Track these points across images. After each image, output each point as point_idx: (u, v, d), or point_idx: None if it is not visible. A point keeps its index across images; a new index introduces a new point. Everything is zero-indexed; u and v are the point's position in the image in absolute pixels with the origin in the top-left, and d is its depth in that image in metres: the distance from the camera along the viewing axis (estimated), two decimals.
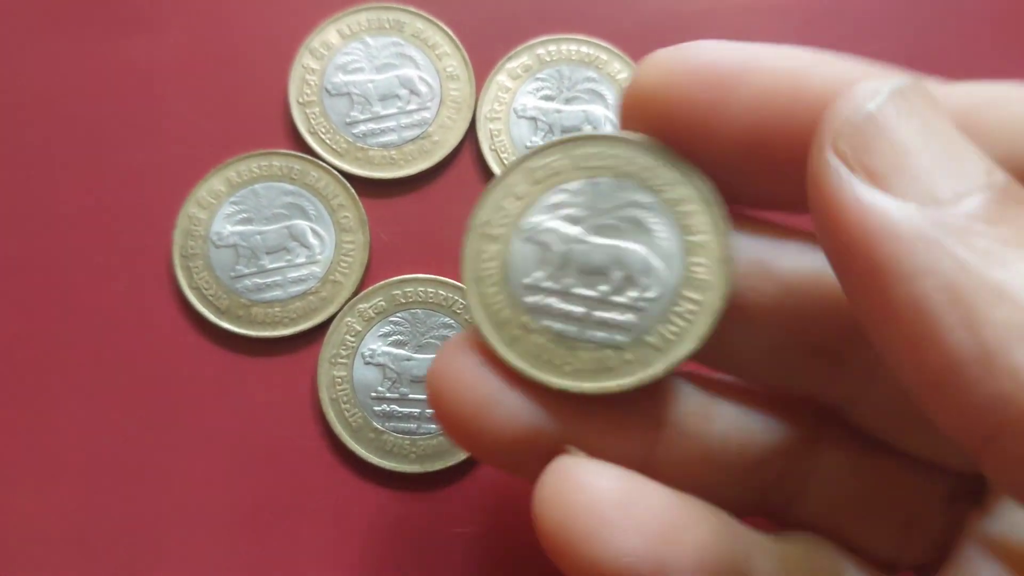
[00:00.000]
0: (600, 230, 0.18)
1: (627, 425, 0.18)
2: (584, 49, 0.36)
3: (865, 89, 0.14)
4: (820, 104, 0.15)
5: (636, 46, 0.36)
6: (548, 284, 0.18)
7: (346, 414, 0.32)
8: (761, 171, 0.17)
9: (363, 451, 0.32)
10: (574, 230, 0.18)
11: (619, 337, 0.17)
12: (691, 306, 0.17)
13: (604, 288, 0.18)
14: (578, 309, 0.18)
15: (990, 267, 0.12)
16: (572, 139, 0.18)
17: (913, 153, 0.13)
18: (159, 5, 0.37)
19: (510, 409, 0.17)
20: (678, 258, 0.17)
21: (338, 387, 0.32)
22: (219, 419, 0.33)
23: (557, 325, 0.18)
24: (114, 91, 0.36)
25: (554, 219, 0.18)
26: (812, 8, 0.38)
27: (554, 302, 0.18)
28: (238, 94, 0.36)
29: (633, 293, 0.17)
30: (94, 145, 0.35)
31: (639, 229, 0.18)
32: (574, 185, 0.18)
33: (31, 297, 0.34)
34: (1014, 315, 0.11)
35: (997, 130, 0.16)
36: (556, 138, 0.18)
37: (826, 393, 0.19)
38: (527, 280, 0.18)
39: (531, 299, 0.18)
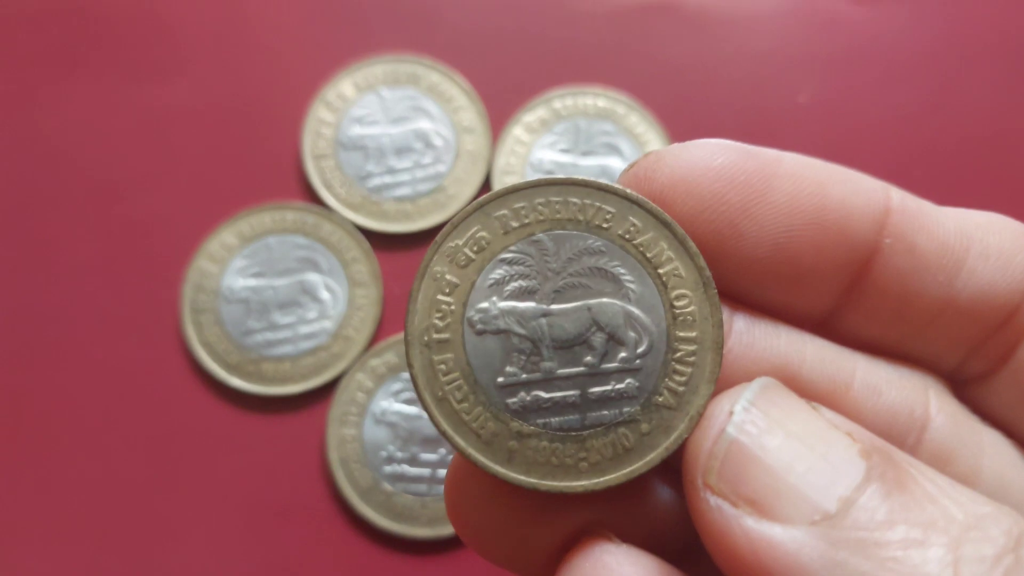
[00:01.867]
0: (561, 295, 0.15)
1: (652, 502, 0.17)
2: (601, 103, 0.36)
3: (719, 412, 0.14)
4: (842, 216, 0.15)
5: (654, 99, 0.36)
6: (527, 376, 0.15)
7: (356, 474, 0.31)
8: (779, 278, 0.16)
9: (372, 514, 0.31)
10: (531, 305, 0.15)
11: (627, 408, 0.15)
12: (689, 347, 0.15)
13: (589, 359, 0.15)
14: (571, 393, 0.15)
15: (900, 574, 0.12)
16: (487, 200, 0.15)
17: (787, 469, 0.13)
18: (175, 55, 0.37)
19: (539, 529, 0.16)
20: (656, 298, 0.15)
21: (348, 446, 0.32)
22: (226, 479, 0.32)
23: (555, 419, 0.15)
24: (128, 140, 0.35)
25: (504, 299, 0.15)
26: (829, 57, 0.38)
27: (542, 394, 0.15)
28: (252, 146, 0.35)
29: (624, 354, 0.15)
30: (106, 194, 0.35)
31: (602, 278, 0.15)
32: (511, 252, 0.15)
33: (39, 349, 0.33)
34: None
35: (990, 254, 0.16)
36: (465, 206, 0.15)
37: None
38: (501, 380, 0.15)
39: (515, 400, 0.15)
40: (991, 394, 0.17)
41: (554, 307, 0.15)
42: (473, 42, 0.37)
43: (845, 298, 0.16)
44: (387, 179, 0.35)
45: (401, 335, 0.32)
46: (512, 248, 0.15)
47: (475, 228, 0.15)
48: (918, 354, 0.17)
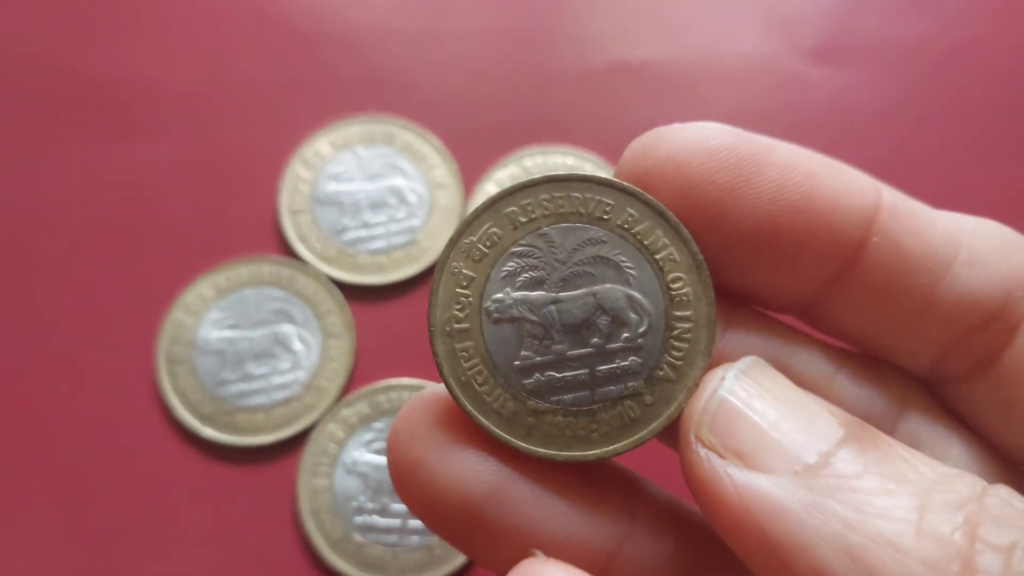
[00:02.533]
0: (568, 283, 0.17)
1: (598, 517, 0.18)
2: (569, 161, 0.37)
3: (712, 378, 0.15)
4: (829, 209, 0.16)
5: (619, 155, 0.37)
6: (540, 358, 0.17)
7: (327, 525, 0.31)
8: (762, 262, 0.17)
9: (343, 565, 0.31)
10: (541, 293, 0.17)
11: (632, 383, 0.17)
12: (685, 324, 0.17)
13: (596, 340, 0.17)
14: (581, 372, 0.17)
15: (874, 520, 0.13)
16: (497, 198, 0.17)
17: (772, 426, 0.15)
18: (157, 116, 0.38)
19: (469, 474, 0.17)
20: (654, 282, 0.17)
21: (319, 497, 0.32)
22: (198, 528, 0.32)
23: (567, 396, 0.17)
24: (106, 196, 0.36)
25: (516, 289, 0.17)
26: (790, 116, 0.39)
27: (555, 374, 0.17)
28: (230, 202, 0.36)
29: (626, 334, 0.17)
30: (84, 248, 0.36)
31: (604, 266, 0.17)
32: (520, 246, 0.17)
33: (16, 397, 0.33)
34: (908, 564, 0.13)
35: (975, 259, 0.17)
36: (479, 204, 0.17)
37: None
38: (518, 363, 0.17)
39: (530, 381, 0.17)
40: (969, 396, 0.18)
41: (562, 294, 0.17)
42: (446, 103, 0.38)
43: (829, 288, 0.17)
44: (362, 233, 0.36)
45: (373, 385, 0.33)
46: (521, 242, 0.17)
47: (487, 225, 0.17)
48: (897, 350, 0.18)
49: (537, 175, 0.17)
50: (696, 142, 0.16)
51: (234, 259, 0.35)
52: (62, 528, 0.32)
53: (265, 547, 0.32)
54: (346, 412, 0.33)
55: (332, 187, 0.36)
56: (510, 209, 0.17)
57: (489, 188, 0.36)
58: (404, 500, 0.17)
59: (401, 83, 0.39)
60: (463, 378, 0.17)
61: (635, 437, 0.17)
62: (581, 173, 0.17)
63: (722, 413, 0.15)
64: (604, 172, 0.37)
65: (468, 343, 0.17)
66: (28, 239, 0.36)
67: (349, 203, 0.36)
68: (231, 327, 0.34)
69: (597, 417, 0.17)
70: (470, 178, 0.37)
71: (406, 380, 0.33)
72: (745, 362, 0.16)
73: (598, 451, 0.17)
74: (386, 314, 0.35)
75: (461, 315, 0.17)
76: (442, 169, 0.37)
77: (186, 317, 0.34)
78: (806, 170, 0.17)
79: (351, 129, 0.37)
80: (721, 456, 0.14)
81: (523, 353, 0.17)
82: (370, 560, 0.31)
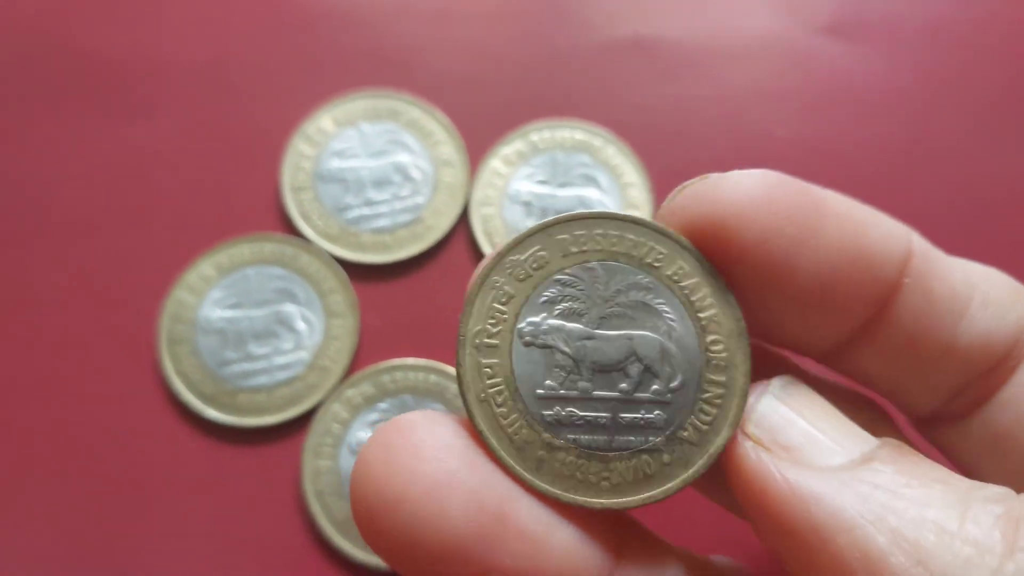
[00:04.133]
0: (606, 321, 0.16)
1: (588, 555, 0.16)
2: (578, 135, 0.36)
3: (759, 385, 0.16)
4: (878, 257, 0.16)
5: (630, 132, 0.37)
6: (564, 391, 0.16)
7: (331, 506, 0.31)
8: (809, 312, 0.17)
9: (348, 546, 0.30)
10: (578, 326, 0.16)
11: (652, 438, 0.16)
12: (718, 390, 0.16)
13: (624, 386, 0.16)
14: (603, 415, 0.16)
15: (919, 508, 0.14)
16: (552, 223, 0.17)
17: (817, 427, 0.15)
18: (156, 91, 0.37)
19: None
20: (693, 339, 0.16)
21: (323, 478, 0.31)
22: (200, 510, 0.31)
23: (584, 437, 0.16)
24: (107, 173, 0.36)
25: (554, 316, 0.16)
26: (806, 92, 0.39)
27: (576, 411, 0.16)
28: (231, 179, 0.36)
29: (656, 386, 0.16)
30: (84, 227, 0.35)
31: (646, 312, 0.16)
32: (565, 275, 0.16)
33: (16, 378, 0.33)
34: (953, 544, 0.13)
35: (989, 303, 0.17)
36: (531, 226, 0.17)
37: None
38: (541, 391, 0.16)
39: (550, 412, 0.16)
40: (964, 434, 0.19)
41: (598, 332, 0.16)
42: (452, 78, 0.38)
43: (860, 332, 0.17)
44: (365, 211, 0.35)
45: (377, 365, 0.32)
46: (567, 271, 0.16)
47: (536, 247, 0.16)
48: (911, 390, 0.18)
49: (588, 212, 0.17)
50: (762, 193, 0.16)
51: (236, 237, 0.34)
52: (64, 510, 0.31)
53: (269, 528, 0.31)
54: (350, 392, 0.32)
55: (335, 164, 0.36)
56: (562, 236, 0.16)
57: (495, 164, 0.36)
58: (375, 544, 0.15)
59: (406, 58, 0.38)
60: (482, 395, 0.16)
61: (646, 495, 0.16)
62: (641, 217, 0.17)
63: (770, 411, 0.16)
64: (613, 147, 0.36)
65: (495, 360, 0.16)
66: (28, 218, 0.35)
67: (353, 180, 0.35)
68: (233, 306, 0.33)
69: (611, 465, 0.16)
70: (475, 154, 0.36)
71: (410, 360, 0.33)
72: (785, 378, 0.16)
73: (606, 501, 0.16)
74: (390, 293, 0.34)
75: (493, 330, 0.16)
76: (448, 146, 0.36)
77: (188, 296, 0.34)
78: (859, 220, 0.17)
79: (355, 104, 0.37)
80: (767, 450, 0.15)
81: (548, 383, 0.16)
82: None
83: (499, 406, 0.16)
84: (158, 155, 0.36)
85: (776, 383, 0.16)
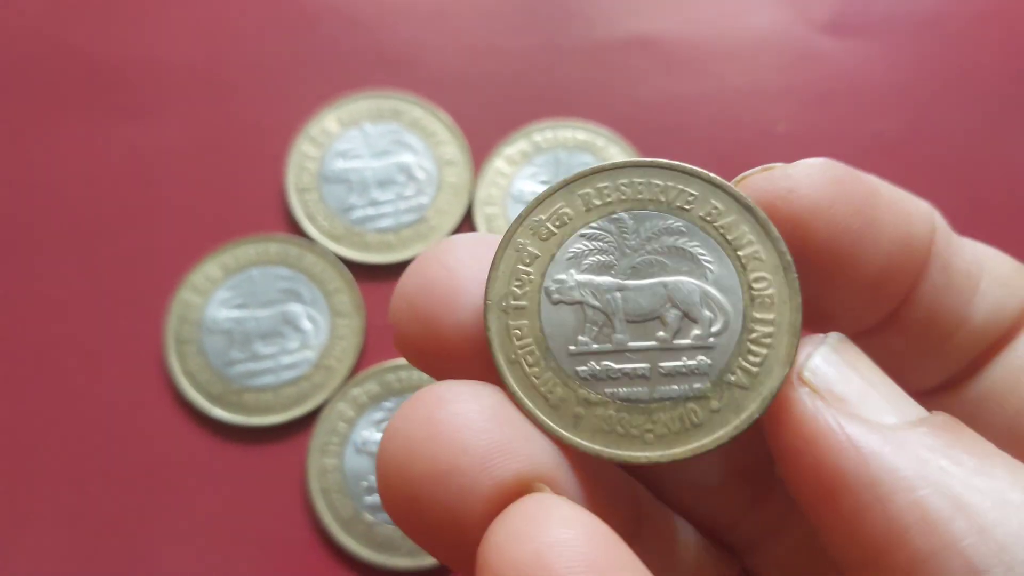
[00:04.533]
0: (637, 271, 0.16)
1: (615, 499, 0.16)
2: (580, 135, 0.36)
3: (815, 336, 0.15)
4: (920, 243, 0.16)
5: (633, 131, 0.37)
6: (598, 346, 0.15)
7: (337, 504, 0.31)
8: (852, 296, 0.17)
9: (353, 544, 0.31)
10: (607, 279, 0.16)
11: (698, 385, 0.15)
12: (766, 328, 0.15)
13: (662, 334, 0.15)
14: (641, 365, 0.15)
15: (978, 476, 0.13)
16: (573, 179, 0.16)
17: (874, 383, 0.15)
18: (161, 93, 0.37)
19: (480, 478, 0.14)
20: (734, 278, 0.15)
21: (329, 476, 0.31)
22: (206, 509, 0.32)
23: (623, 390, 0.15)
24: (113, 175, 0.36)
25: (581, 272, 0.16)
26: (806, 89, 0.39)
27: (612, 364, 0.15)
28: (236, 180, 0.36)
29: (697, 331, 0.15)
30: (91, 228, 0.35)
31: (679, 257, 0.16)
32: (591, 228, 0.16)
33: (22, 380, 0.33)
34: (1017, 516, 0.13)
35: (997, 278, 0.18)
36: (555, 182, 0.16)
37: (742, 529, 0.19)
38: (573, 348, 0.15)
39: (584, 368, 0.15)
40: (947, 405, 0.18)
41: (630, 282, 0.16)
42: (455, 78, 0.38)
43: (891, 313, 0.17)
44: (370, 211, 0.35)
45: (382, 364, 0.33)
46: (593, 224, 0.16)
47: (559, 204, 0.16)
48: (920, 367, 0.18)
49: (618, 159, 0.16)
50: (831, 188, 0.16)
51: (241, 238, 0.35)
52: (71, 508, 0.31)
53: (275, 527, 0.31)
54: (356, 391, 0.33)
55: (339, 164, 0.36)
56: (585, 191, 0.16)
57: (498, 164, 0.36)
58: (416, 527, 0.14)
59: (409, 58, 0.38)
60: (512, 356, 0.15)
61: (696, 444, 0.15)
62: (665, 160, 0.16)
63: (827, 360, 0.15)
64: (616, 147, 0.36)
65: (523, 321, 0.15)
66: (34, 221, 0.35)
67: (357, 180, 0.36)
68: (239, 307, 0.34)
69: (654, 416, 0.15)
70: (479, 154, 0.36)
71: None
72: (839, 334, 0.16)
73: (650, 454, 0.15)
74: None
75: (520, 292, 0.15)
76: (451, 146, 0.36)
77: (194, 297, 0.34)
78: (904, 205, 0.17)
79: (358, 105, 0.37)
80: (822, 398, 0.14)
81: (580, 339, 0.15)
82: (380, 539, 0.31)
83: (531, 366, 0.15)
84: (163, 157, 0.36)
85: (833, 336, 0.15)
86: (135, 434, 0.33)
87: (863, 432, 0.14)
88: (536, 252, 0.16)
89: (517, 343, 0.15)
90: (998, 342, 0.18)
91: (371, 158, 0.36)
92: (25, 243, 0.35)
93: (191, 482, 0.32)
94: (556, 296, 0.15)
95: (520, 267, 0.16)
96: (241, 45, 0.38)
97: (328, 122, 0.36)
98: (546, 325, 0.15)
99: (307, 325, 0.33)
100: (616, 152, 0.36)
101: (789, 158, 0.37)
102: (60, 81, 0.38)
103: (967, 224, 0.36)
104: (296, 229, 0.35)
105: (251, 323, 0.33)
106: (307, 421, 0.33)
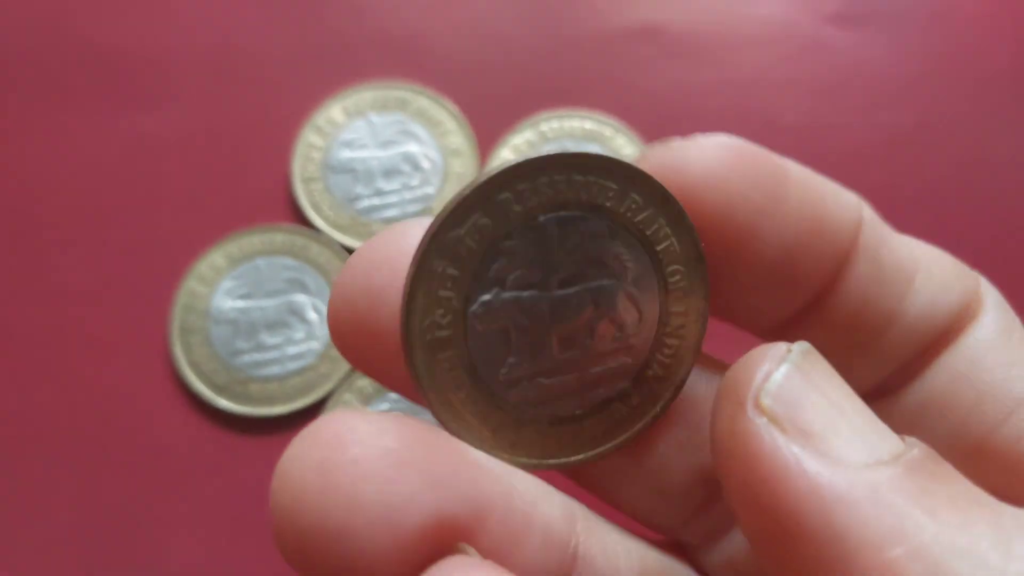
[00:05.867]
0: (563, 281, 0.15)
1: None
2: (587, 125, 0.36)
3: (775, 348, 0.13)
4: (835, 228, 0.15)
5: (640, 121, 0.37)
6: (529, 365, 0.15)
7: None
8: (762, 285, 0.16)
9: None
10: (535, 294, 0.15)
11: (621, 385, 0.15)
12: (679, 320, 0.15)
13: (588, 341, 0.15)
14: (570, 376, 0.15)
15: (956, 532, 0.12)
16: (489, 180, 0.14)
17: (843, 414, 0.13)
18: (167, 83, 0.37)
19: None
20: (651, 276, 0.15)
21: None
22: (212, 499, 0.32)
23: (556, 406, 0.15)
24: (116, 165, 0.36)
25: (507, 290, 0.15)
26: (814, 80, 0.38)
27: (544, 380, 0.15)
28: (241, 169, 0.36)
29: (618, 333, 0.15)
30: (96, 218, 0.35)
31: (603, 261, 0.15)
32: (513, 240, 0.14)
33: (28, 369, 0.33)
34: None
35: (934, 275, 0.17)
36: (468, 188, 0.14)
37: (694, 527, 0.18)
38: (504, 371, 0.15)
39: (516, 390, 0.15)
40: (885, 411, 0.17)
41: (556, 293, 0.15)
42: (461, 68, 0.38)
43: (809, 306, 0.16)
44: (376, 201, 0.35)
45: None
46: (515, 236, 0.14)
47: (476, 215, 0.14)
48: (852, 368, 0.17)
49: (543, 151, 0.15)
50: (728, 158, 0.15)
51: (246, 228, 0.34)
52: (76, 499, 0.31)
53: None
54: (361, 382, 0.32)
55: (345, 154, 0.36)
56: (504, 196, 0.14)
57: (505, 154, 0.36)
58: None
59: (415, 47, 0.38)
60: (444, 394, 0.14)
61: (620, 439, 0.16)
62: (583, 152, 0.15)
63: (790, 384, 0.13)
64: (623, 137, 0.36)
65: (449, 352, 0.14)
66: (39, 210, 0.35)
67: (362, 170, 0.35)
68: (244, 296, 0.34)
69: (584, 423, 0.15)
70: (485, 143, 0.36)
71: None
72: (805, 344, 0.14)
73: (581, 456, 0.15)
74: None
75: (443, 322, 0.14)
76: (457, 135, 0.36)
77: (199, 287, 0.34)
78: (816, 187, 0.16)
79: (364, 95, 0.37)
80: (783, 431, 0.12)
81: (510, 360, 0.15)
82: None
83: (463, 399, 0.15)
84: (168, 146, 0.36)
85: (797, 350, 0.13)
86: (140, 424, 0.33)
87: (828, 473, 0.12)
88: (455, 273, 0.14)
89: (445, 377, 0.14)
90: (935, 344, 0.17)
91: (377, 148, 0.36)
92: (30, 233, 0.35)
93: (196, 472, 0.32)
94: (483, 320, 0.14)
95: (441, 293, 0.14)
96: (246, 35, 0.38)
97: (334, 112, 0.36)
98: (475, 352, 0.14)
99: (313, 315, 0.33)
100: (624, 142, 0.36)
101: (796, 148, 0.37)
102: (65, 70, 0.37)
103: (975, 215, 0.36)
104: (302, 219, 0.35)
105: (257, 313, 0.33)
106: (313, 411, 0.32)
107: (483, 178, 0.14)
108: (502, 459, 0.14)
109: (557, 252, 0.15)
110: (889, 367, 0.17)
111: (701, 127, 0.37)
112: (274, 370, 0.33)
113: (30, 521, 0.31)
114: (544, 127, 0.36)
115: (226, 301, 0.34)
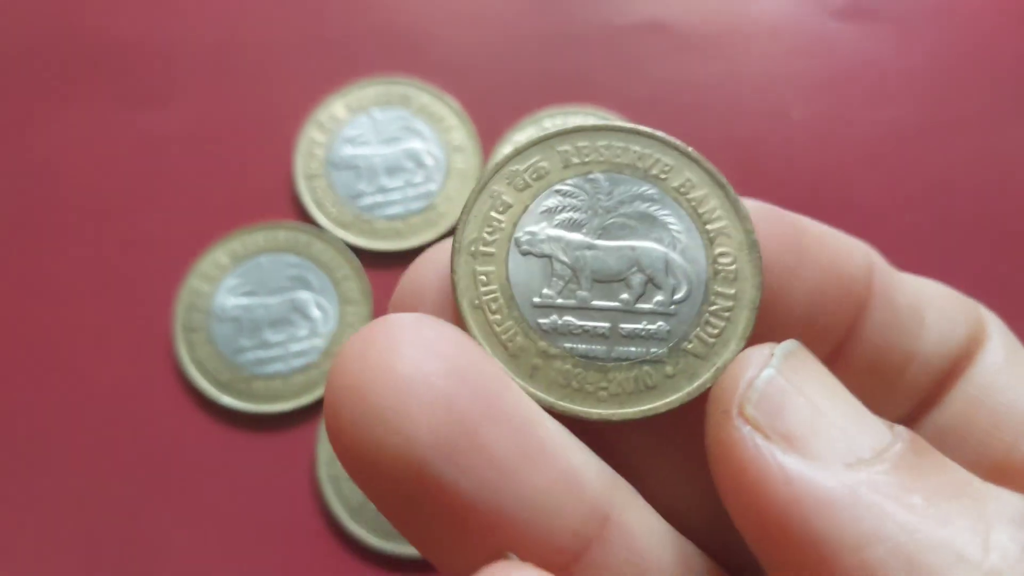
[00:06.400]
0: (607, 232, 0.16)
1: (573, 507, 0.15)
2: (590, 121, 0.36)
3: (758, 353, 0.14)
4: (854, 280, 0.16)
5: (644, 117, 0.36)
6: (562, 301, 0.16)
7: (346, 492, 0.31)
8: (806, 334, 0.16)
9: (362, 532, 0.31)
10: (578, 236, 0.16)
11: (655, 349, 0.15)
12: (726, 302, 0.16)
13: (626, 296, 0.16)
14: (602, 324, 0.16)
15: (934, 527, 0.12)
16: (554, 135, 0.16)
17: (825, 413, 0.13)
18: (169, 80, 0.37)
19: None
20: (700, 251, 0.16)
21: (338, 464, 0.31)
22: (216, 496, 0.32)
23: (582, 346, 0.15)
24: (119, 162, 0.36)
25: (553, 226, 0.16)
26: (820, 75, 0.38)
27: (573, 320, 0.16)
28: (245, 167, 0.36)
29: (659, 297, 0.16)
30: (99, 215, 0.35)
31: (650, 224, 0.16)
32: (566, 185, 0.16)
33: (31, 366, 0.33)
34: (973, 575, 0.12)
35: (943, 310, 0.17)
36: (536, 136, 0.16)
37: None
38: (537, 299, 0.15)
39: (546, 320, 0.15)
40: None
41: (599, 242, 0.16)
42: (463, 63, 0.38)
43: (832, 354, 0.17)
44: (378, 198, 0.35)
45: None
46: (568, 181, 0.16)
47: (537, 158, 0.16)
48: (874, 407, 0.17)
49: (592, 123, 0.16)
50: (759, 226, 0.16)
51: (250, 225, 0.34)
52: (80, 497, 0.32)
53: (284, 514, 0.31)
54: None
55: (348, 151, 0.36)
56: (564, 148, 0.16)
57: (507, 151, 0.36)
58: (348, 460, 0.13)
59: (417, 43, 0.38)
60: (476, 301, 0.15)
61: (648, 406, 0.15)
62: (645, 128, 0.16)
63: (771, 390, 0.13)
64: None
65: (490, 268, 0.15)
66: (42, 207, 0.35)
67: (365, 167, 0.35)
68: (248, 294, 0.34)
69: (610, 375, 0.15)
70: (488, 140, 0.36)
71: None
72: (792, 344, 0.14)
73: (603, 411, 0.15)
74: None
75: (490, 239, 0.16)
76: (460, 132, 0.36)
77: (202, 284, 0.34)
78: (831, 240, 0.16)
79: (366, 91, 0.36)
80: (766, 437, 0.13)
81: (545, 291, 0.16)
82: (389, 527, 0.31)
83: (493, 313, 0.15)
84: (171, 143, 0.36)
85: (780, 353, 0.14)
86: (144, 422, 0.33)
87: (808, 478, 0.12)
88: (510, 201, 0.16)
89: (482, 288, 0.15)
90: (950, 375, 0.17)
91: (379, 144, 0.36)
92: (33, 230, 0.35)
93: (200, 470, 0.32)
94: (526, 247, 0.16)
95: (493, 214, 0.16)
96: (249, 31, 0.38)
97: (336, 108, 0.36)
98: (513, 274, 0.15)
99: (316, 313, 0.33)
100: None
101: (802, 143, 0.37)
102: (68, 66, 0.37)
103: (982, 213, 0.36)
104: (304, 216, 0.35)
105: (260, 311, 0.33)
106: (316, 408, 0.32)
107: (549, 131, 0.16)
108: (518, 386, 0.15)
109: (606, 204, 0.16)
110: (911, 403, 0.18)
111: (706, 122, 0.37)
112: (277, 367, 0.33)
113: (34, 517, 0.31)
114: (547, 123, 0.36)
115: (229, 299, 0.34)
